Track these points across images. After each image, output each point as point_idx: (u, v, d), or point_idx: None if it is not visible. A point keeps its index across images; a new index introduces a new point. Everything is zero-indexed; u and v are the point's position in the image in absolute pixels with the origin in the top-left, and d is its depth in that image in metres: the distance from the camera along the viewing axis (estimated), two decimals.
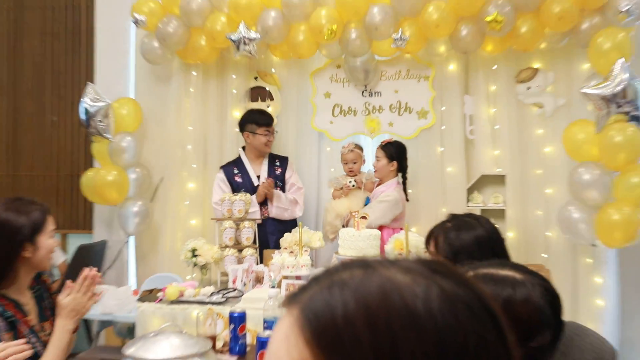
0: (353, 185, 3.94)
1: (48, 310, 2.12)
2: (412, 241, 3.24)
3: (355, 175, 3.97)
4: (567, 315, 3.71)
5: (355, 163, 3.97)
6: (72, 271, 4.32)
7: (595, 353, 1.75)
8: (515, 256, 3.75)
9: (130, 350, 1.55)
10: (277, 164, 4.06)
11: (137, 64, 4.62)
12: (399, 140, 3.93)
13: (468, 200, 3.71)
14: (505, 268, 1.19)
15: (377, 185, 3.90)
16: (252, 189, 3.91)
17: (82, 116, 4.22)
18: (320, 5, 3.91)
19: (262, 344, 1.92)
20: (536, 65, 3.98)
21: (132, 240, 4.66)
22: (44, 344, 2.00)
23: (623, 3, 3.46)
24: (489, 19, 3.58)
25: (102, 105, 4.19)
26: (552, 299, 1.16)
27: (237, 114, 4.37)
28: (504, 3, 3.60)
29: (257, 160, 4.03)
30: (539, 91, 3.95)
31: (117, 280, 4.66)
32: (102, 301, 3.48)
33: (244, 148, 4.09)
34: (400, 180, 3.84)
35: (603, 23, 3.62)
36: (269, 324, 2.20)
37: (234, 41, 3.94)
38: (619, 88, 3.37)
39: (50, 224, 2.05)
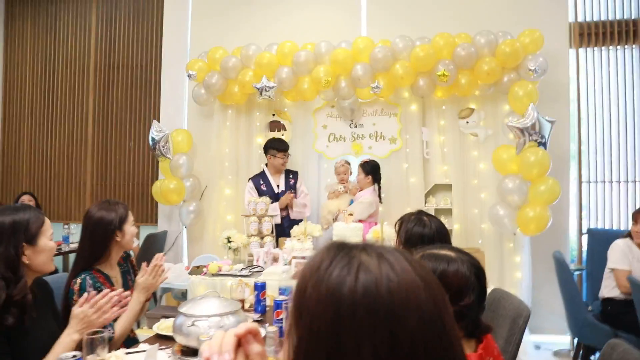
0: (342, 190, 3.96)
1: (130, 282, 2.11)
2: (386, 232, 3.26)
3: (345, 182, 3.99)
4: (495, 284, 3.71)
5: (345, 174, 4.00)
6: (143, 253, 4.34)
7: (515, 310, 1.76)
8: (458, 242, 3.81)
9: (183, 308, 1.56)
10: (291, 176, 4.06)
11: (189, 105, 4.65)
12: (374, 159, 3.92)
13: (425, 202, 3.71)
14: (444, 249, 1.20)
15: (359, 191, 3.91)
16: (273, 195, 3.91)
17: (150, 142, 4.27)
18: (319, 64, 3.93)
19: (277, 305, 1.88)
20: (472, 106, 3.99)
21: (185, 230, 4.67)
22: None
23: (531, 63, 3.50)
24: (439, 73, 3.61)
25: (164, 134, 4.24)
26: (477, 271, 1.16)
27: (260, 140, 4.40)
28: (449, 62, 3.64)
29: (277, 174, 4.03)
30: (475, 125, 3.96)
31: (175, 259, 4.67)
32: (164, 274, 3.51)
33: (266, 164, 4.08)
34: (376, 188, 3.85)
35: (517, 77, 3.66)
36: (282, 291, 2.19)
37: (258, 89, 3.98)
38: (530, 123, 3.39)
39: (131, 216, 2.04)
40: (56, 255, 4.18)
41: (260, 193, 3.90)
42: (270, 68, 4.00)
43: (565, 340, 3.82)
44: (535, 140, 3.39)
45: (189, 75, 4.22)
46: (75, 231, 4.71)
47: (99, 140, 5.18)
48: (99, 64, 5.18)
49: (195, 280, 3.13)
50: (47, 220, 1.56)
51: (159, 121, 4.86)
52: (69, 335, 1.46)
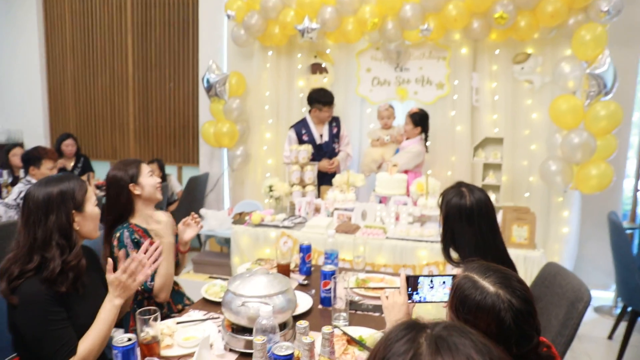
0: (388, 140, 3.78)
1: None
2: (430, 184, 3.12)
3: (389, 127, 3.80)
4: (540, 238, 3.56)
5: (389, 118, 3.80)
6: (186, 195, 4.38)
7: (574, 293, 1.63)
8: (505, 195, 3.63)
9: (232, 285, 1.51)
10: (334, 124, 3.86)
11: (228, 46, 4.44)
12: (423, 109, 3.65)
13: (474, 155, 3.49)
14: (490, 275, 1.00)
15: (405, 140, 3.72)
16: (316, 146, 3.76)
17: (205, 84, 4.14)
18: (365, 3, 3.60)
19: (325, 275, 1.83)
20: (529, 50, 3.61)
21: (226, 173, 4.66)
22: None
23: (604, 4, 3.07)
24: (496, 15, 3.24)
25: (224, 76, 4.10)
26: (517, 316, 0.94)
27: (302, 83, 4.21)
28: (508, 3, 3.24)
29: (320, 124, 3.83)
30: (530, 71, 3.60)
31: (216, 201, 4.71)
32: (207, 221, 3.53)
33: (310, 111, 3.85)
34: (423, 137, 3.65)
35: (585, 19, 3.23)
36: (328, 255, 2.13)
37: (300, 30, 3.72)
38: (603, 71, 3.05)
39: (144, 169, 1.98)
40: (103, 195, 4.27)
41: (302, 143, 3.76)
42: (313, 7, 3.70)
43: (607, 296, 3.70)
44: (603, 92, 3.06)
45: (228, 16, 3.98)
46: None
47: (139, 81, 5.10)
48: (136, 2, 4.97)
49: (238, 230, 3.13)
50: (89, 188, 1.55)
51: (197, 62, 4.71)
52: (111, 301, 1.45)
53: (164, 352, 1.40)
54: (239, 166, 4.33)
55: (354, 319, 1.71)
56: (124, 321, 1.83)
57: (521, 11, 3.30)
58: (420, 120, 3.57)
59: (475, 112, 3.82)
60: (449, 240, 1.64)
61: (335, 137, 3.85)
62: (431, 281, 1.37)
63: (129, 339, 1.23)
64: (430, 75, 3.88)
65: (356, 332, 1.54)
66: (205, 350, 1.25)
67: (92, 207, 1.52)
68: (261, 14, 3.87)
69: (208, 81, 4.10)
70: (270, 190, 3.50)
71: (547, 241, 3.58)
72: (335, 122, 3.87)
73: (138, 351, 1.32)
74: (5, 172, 3.98)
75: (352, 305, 1.82)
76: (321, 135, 3.82)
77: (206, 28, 4.58)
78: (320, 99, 3.71)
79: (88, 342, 1.39)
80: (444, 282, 1.36)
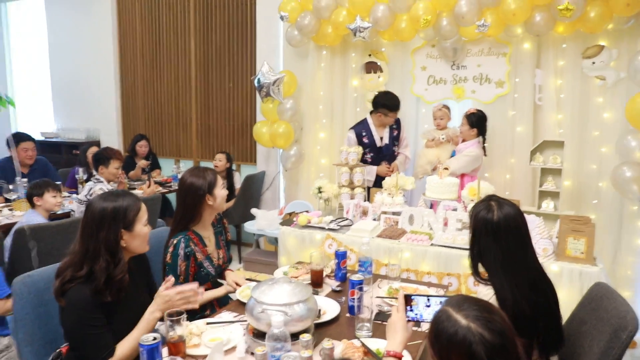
0: (443, 139, 3.71)
1: (222, 242, 2.24)
2: (483, 189, 3.03)
3: (443, 128, 3.73)
4: (610, 249, 3.33)
5: (442, 119, 3.72)
6: (243, 193, 4.59)
7: (619, 320, 1.54)
8: (569, 202, 3.44)
9: (255, 292, 1.60)
10: (394, 126, 3.79)
11: (284, 47, 4.57)
12: (481, 110, 3.52)
13: (531, 160, 3.33)
14: (462, 310, 0.98)
15: (461, 142, 3.63)
16: (376, 149, 3.73)
17: (256, 84, 4.30)
18: (418, 0, 3.55)
19: (353, 284, 1.88)
20: (602, 43, 3.37)
21: (282, 171, 4.81)
22: (215, 266, 2.14)
23: None
24: (561, 7, 3.06)
25: (279, 77, 4.21)
26: (489, 349, 0.93)
27: (356, 82, 4.24)
28: None
29: (381, 126, 3.76)
30: (603, 66, 3.36)
31: (272, 200, 4.89)
32: (257, 220, 3.69)
33: (371, 113, 3.79)
34: (480, 140, 3.53)
35: None
36: (362, 263, 2.17)
37: (351, 29, 3.75)
38: None
39: (220, 181, 2.11)
40: (167, 192, 4.60)
41: (362, 145, 3.71)
42: (365, 6, 3.71)
43: None
44: None
45: (282, 17, 4.10)
46: (183, 169, 5.11)
47: (201, 82, 5.39)
48: (198, 6, 5.25)
49: (285, 231, 3.24)
50: (142, 207, 1.66)
51: (255, 63, 4.90)
52: (152, 314, 1.59)
53: (191, 351, 1.53)
54: (292, 166, 4.46)
55: (379, 329, 1.74)
56: None
57: (591, 1, 3.09)
58: (477, 121, 3.46)
59: (538, 112, 3.63)
60: (476, 255, 1.62)
61: (395, 139, 3.81)
62: (428, 299, 1.38)
63: (154, 338, 1.36)
64: (489, 72, 3.75)
65: (376, 344, 1.58)
66: (219, 354, 1.36)
67: (141, 227, 1.65)
68: (314, 14, 3.94)
69: (259, 82, 4.23)
70: (319, 192, 3.58)
71: (618, 253, 3.35)
72: (396, 124, 3.81)
73: (164, 350, 1.45)
74: (81, 170, 4.42)
75: (379, 315, 1.85)
76: (381, 138, 3.77)
77: (262, 29, 4.75)
78: (386, 103, 3.64)
79: (126, 347, 1.55)
80: (440, 303, 1.36)
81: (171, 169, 5.07)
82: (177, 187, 4.70)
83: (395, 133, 3.81)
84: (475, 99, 3.81)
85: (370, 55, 4.20)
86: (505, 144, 3.73)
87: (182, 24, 5.40)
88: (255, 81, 4.27)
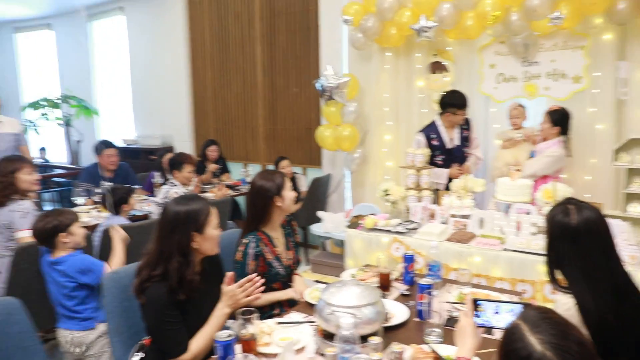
0: (520, 138, 3.56)
1: (291, 243, 2.30)
2: (560, 191, 2.87)
3: (518, 128, 3.58)
4: None
5: (518, 118, 3.58)
6: (310, 196, 4.66)
7: None
8: None
9: (325, 294, 1.63)
10: (464, 127, 3.70)
11: (347, 50, 4.60)
12: (564, 107, 3.33)
13: (615, 159, 3.10)
14: (538, 332, 0.92)
15: (541, 142, 3.45)
16: (446, 150, 3.65)
17: (319, 88, 4.36)
18: None
19: (422, 288, 1.85)
20: None
21: (348, 174, 4.84)
22: (284, 266, 2.20)
23: None
24: None
25: (344, 80, 4.25)
26: None
27: (421, 83, 4.18)
28: None
29: (450, 127, 3.67)
30: None
31: (337, 202, 4.92)
32: (323, 223, 3.73)
33: (441, 114, 3.68)
34: (563, 139, 3.34)
35: None
36: (431, 268, 2.14)
37: (415, 30, 3.71)
38: None
39: (288, 183, 2.17)
40: (236, 195, 4.77)
41: (432, 148, 3.65)
42: (429, 5, 3.66)
43: None
44: None
45: (345, 21, 4.13)
46: (251, 173, 5.28)
47: (267, 87, 5.55)
48: (263, 13, 5.42)
49: (352, 234, 3.26)
50: (213, 211, 1.74)
51: (319, 67, 4.97)
52: (221, 310, 1.67)
53: (261, 349, 1.58)
54: (356, 169, 4.47)
55: (449, 336, 1.70)
56: None
57: None
58: (559, 119, 3.28)
59: (623, 107, 3.39)
60: (553, 261, 1.54)
61: (465, 140, 3.71)
62: (497, 306, 1.33)
63: (229, 335, 1.43)
64: (564, 67, 3.55)
65: (446, 350, 1.55)
66: (290, 353, 1.40)
67: (211, 230, 1.72)
68: (377, 16, 3.94)
69: (321, 85, 4.29)
70: (386, 194, 3.56)
71: None
72: (466, 124, 3.71)
73: (238, 346, 1.52)
74: (157, 174, 4.70)
75: (450, 321, 1.81)
76: (451, 139, 3.68)
77: (326, 33, 4.81)
78: (454, 102, 3.56)
79: (199, 342, 1.63)
80: (511, 310, 1.31)
81: (240, 172, 5.26)
82: (245, 191, 4.89)
83: (465, 133, 3.71)
84: (549, 96, 3.62)
85: (435, 55, 4.13)
86: (584, 143, 3.51)
87: (249, 32, 5.59)
88: (318, 85, 4.34)
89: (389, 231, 3.15)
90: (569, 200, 1.56)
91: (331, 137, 4.47)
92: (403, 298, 2.08)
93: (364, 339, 1.47)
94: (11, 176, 2.79)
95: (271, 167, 5.41)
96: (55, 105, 7.47)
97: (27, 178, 2.85)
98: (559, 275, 1.56)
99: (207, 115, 6.19)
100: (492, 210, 3.12)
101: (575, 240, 1.45)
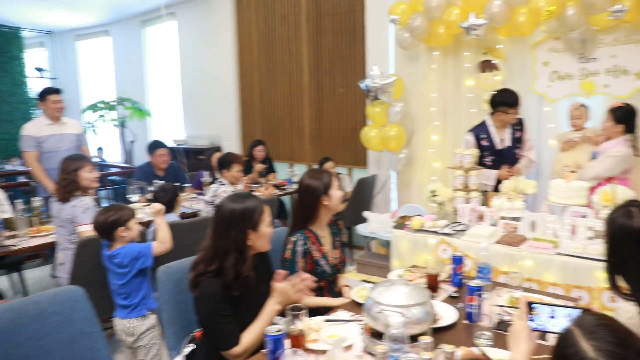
0: (578, 138, 3.42)
1: (337, 243, 2.31)
2: (620, 193, 2.73)
3: (580, 129, 3.43)
4: None
5: (579, 119, 3.42)
6: (355, 196, 4.65)
7: None
8: None
9: (373, 292, 1.63)
10: (517, 127, 3.57)
11: (393, 50, 4.57)
12: (629, 104, 3.15)
13: None
14: (594, 338, 0.87)
15: (604, 141, 3.29)
16: (496, 151, 3.55)
17: (364, 88, 4.36)
18: None
19: (471, 290, 1.82)
20: None
21: (394, 175, 4.80)
22: (331, 265, 2.22)
23: None
24: None
25: (388, 81, 4.23)
26: None
27: (470, 82, 4.09)
28: None
29: (502, 127, 3.56)
30: None
31: (383, 203, 4.90)
32: (369, 223, 3.72)
33: (492, 114, 3.56)
34: (628, 138, 3.15)
35: None
36: (480, 270, 2.09)
37: (464, 28, 3.64)
38: None
39: (335, 182, 2.19)
40: (282, 195, 4.84)
41: (482, 148, 3.56)
42: (479, 2, 3.58)
43: None
44: None
45: (392, 20, 4.11)
46: (297, 173, 5.34)
47: (313, 88, 5.60)
48: (310, 15, 5.47)
49: (398, 235, 3.23)
50: (267, 209, 1.79)
51: (365, 67, 4.96)
52: (272, 306, 1.71)
53: (309, 346, 1.60)
54: (402, 169, 4.43)
55: (500, 339, 1.66)
56: None
57: None
58: (624, 117, 3.11)
59: None
60: (614, 266, 1.48)
61: (517, 141, 3.58)
62: (552, 310, 1.28)
63: (279, 330, 1.46)
64: (626, 63, 3.38)
65: (497, 354, 1.51)
66: (339, 350, 1.41)
67: (265, 228, 1.77)
68: (425, 15, 3.89)
69: (367, 86, 4.29)
70: (433, 195, 3.51)
71: None
72: (518, 124, 3.58)
73: (286, 341, 1.54)
74: (206, 174, 4.84)
75: (500, 325, 1.77)
76: (502, 140, 3.56)
77: (372, 34, 4.80)
78: (505, 100, 3.44)
79: (250, 336, 1.68)
80: (568, 315, 1.26)
81: (286, 172, 5.33)
82: (291, 190, 4.96)
83: (518, 134, 3.58)
84: (609, 94, 3.45)
85: (485, 53, 4.03)
86: None
87: (295, 34, 5.66)
88: (363, 85, 4.34)
89: (436, 232, 3.11)
90: (632, 203, 1.49)
91: (377, 138, 4.46)
92: (451, 300, 2.05)
93: (412, 339, 1.46)
94: (74, 174, 2.96)
95: (316, 167, 5.45)
96: (111, 107, 7.84)
97: (88, 176, 3.01)
98: (621, 282, 1.49)
99: (253, 116, 6.32)
100: (544, 212, 3.01)
101: (639, 244, 1.39)
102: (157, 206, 2.73)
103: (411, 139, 4.51)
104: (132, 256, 2.39)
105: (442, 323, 1.77)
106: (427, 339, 1.36)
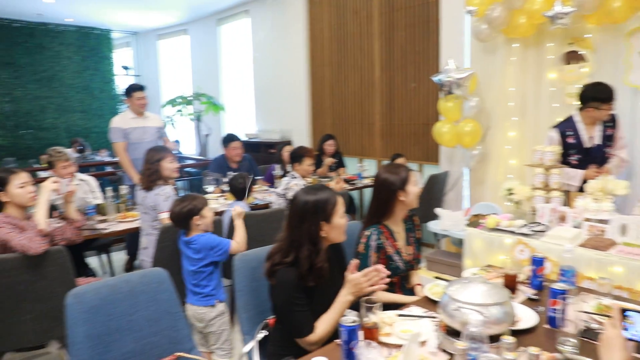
0: None
1: (412, 239, 2.28)
2: None
3: None
4: None
5: None
6: (426, 193, 4.55)
7: None
8: None
9: (450, 289, 1.59)
10: (609, 124, 3.30)
11: (469, 43, 4.42)
12: None
13: None
14: None
15: None
16: (583, 150, 3.31)
17: (437, 81, 4.26)
18: None
19: (555, 293, 1.71)
20: None
21: (466, 172, 4.66)
22: (404, 261, 2.19)
23: None
24: None
25: (465, 75, 4.12)
26: None
27: (553, 75, 3.86)
28: None
29: (591, 124, 3.30)
30: None
31: (455, 200, 4.76)
32: (441, 221, 3.64)
33: (580, 109, 3.31)
34: None
35: None
36: (563, 272, 1.97)
37: (549, 17, 3.43)
38: None
39: (413, 177, 2.16)
40: (351, 189, 4.85)
41: (567, 146, 3.34)
42: None
43: None
44: None
45: (469, 12, 3.97)
46: (367, 167, 5.33)
47: (384, 83, 5.54)
48: (382, 9, 5.42)
49: (472, 233, 3.13)
50: (339, 200, 1.80)
51: (438, 61, 4.83)
52: (345, 297, 1.71)
53: (382, 339, 1.60)
54: (475, 166, 4.29)
55: (586, 348, 1.56)
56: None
57: None
58: None
59: None
60: None
61: (608, 139, 3.31)
62: None
63: (353, 321, 1.46)
64: None
65: None
66: (414, 345, 1.39)
67: (338, 219, 1.78)
68: (504, 5, 3.72)
69: (441, 80, 4.18)
70: (510, 194, 3.37)
71: None
72: (611, 121, 3.31)
73: (361, 333, 1.55)
74: (277, 167, 4.96)
75: (586, 332, 1.66)
76: (591, 138, 3.31)
77: (447, 26, 4.67)
78: (598, 95, 3.18)
79: (323, 325, 1.70)
80: None
81: (356, 167, 5.34)
82: (360, 185, 4.96)
83: (609, 132, 3.31)
84: None
85: (571, 43, 3.77)
86: None
87: (367, 28, 5.63)
88: (437, 80, 4.24)
89: (512, 232, 2.97)
90: None
91: (449, 134, 4.35)
92: (530, 302, 1.96)
93: (490, 339, 1.41)
94: (157, 164, 3.15)
95: (386, 162, 5.41)
96: (188, 102, 8.25)
97: (169, 166, 3.19)
98: None
99: (324, 111, 6.37)
100: (638, 216, 2.78)
101: None
102: (239, 209, 2.84)
103: (486, 135, 4.34)
104: (210, 245, 2.50)
105: (521, 325, 1.69)
106: (509, 339, 1.31)
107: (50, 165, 3.63)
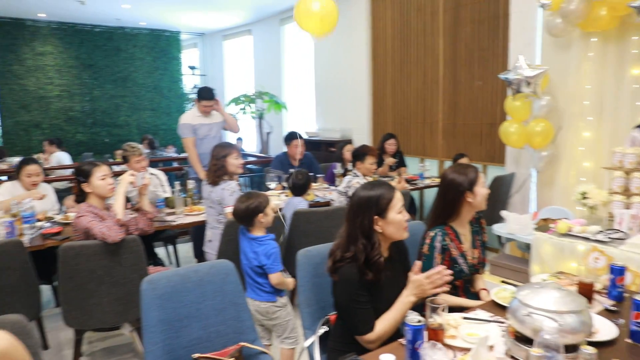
0: None
1: (478, 242, 2.21)
2: None
3: None
4: None
5: None
6: (490, 195, 4.38)
7: None
8: None
9: (520, 293, 1.53)
10: None
11: (543, 37, 4.21)
12: None
13: None
14: None
15: None
16: None
17: (505, 79, 4.10)
18: None
19: (637, 305, 1.58)
20: None
21: (534, 174, 4.45)
22: (469, 265, 2.13)
23: None
24: None
25: (538, 72, 3.92)
26: None
27: (636, 71, 3.59)
28: None
29: None
30: None
31: (521, 204, 4.57)
32: (507, 224, 3.50)
33: None
34: None
35: None
36: None
37: (635, 7, 3.20)
38: None
39: (481, 179, 2.10)
40: (413, 189, 4.77)
41: None
42: None
43: None
44: None
45: (542, 5, 3.78)
46: (429, 167, 5.23)
47: (448, 81, 5.41)
48: (447, 5, 5.29)
49: (540, 238, 2.98)
50: (396, 195, 1.77)
51: (507, 59, 4.65)
52: (407, 297, 1.70)
53: (447, 341, 1.56)
54: (544, 168, 4.08)
55: None
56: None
57: None
58: None
59: None
60: None
61: None
62: None
63: (419, 321, 1.44)
64: None
65: None
66: (483, 349, 1.35)
67: (394, 215, 1.75)
68: None
69: (509, 78, 4.01)
70: (584, 198, 3.18)
71: None
72: None
73: (425, 333, 1.53)
74: (339, 165, 4.98)
75: None
76: None
77: (517, 22, 4.48)
78: None
79: (384, 324, 1.69)
80: None
81: (418, 167, 5.25)
82: (422, 185, 4.87)
83: None
84: None
85: None
86: None
87: (431, 25, 5.52)
88: (505, 78, 4.08)
89: (586, 239, 2.80)
90: None
91: (517, 134, 4.17)
92: (608, 314, 1.84)
93: (565, 349, 1.34)
94: (223, 160, 3.25)
95: (449, 163, 5.28)
96: (251, 100, 8.47)
97: (234, 162, 3.29)
98: None
99: (385, 110, 6.32)
100: None
101: None
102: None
103: (557, 136, 4.12)
104: (269, 252, 2.48)
105: (598, 337, 1.59)
106: (589, 349, 1.24)
107: (125, 160, 3.85)
